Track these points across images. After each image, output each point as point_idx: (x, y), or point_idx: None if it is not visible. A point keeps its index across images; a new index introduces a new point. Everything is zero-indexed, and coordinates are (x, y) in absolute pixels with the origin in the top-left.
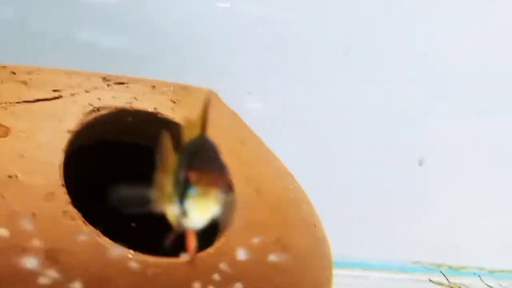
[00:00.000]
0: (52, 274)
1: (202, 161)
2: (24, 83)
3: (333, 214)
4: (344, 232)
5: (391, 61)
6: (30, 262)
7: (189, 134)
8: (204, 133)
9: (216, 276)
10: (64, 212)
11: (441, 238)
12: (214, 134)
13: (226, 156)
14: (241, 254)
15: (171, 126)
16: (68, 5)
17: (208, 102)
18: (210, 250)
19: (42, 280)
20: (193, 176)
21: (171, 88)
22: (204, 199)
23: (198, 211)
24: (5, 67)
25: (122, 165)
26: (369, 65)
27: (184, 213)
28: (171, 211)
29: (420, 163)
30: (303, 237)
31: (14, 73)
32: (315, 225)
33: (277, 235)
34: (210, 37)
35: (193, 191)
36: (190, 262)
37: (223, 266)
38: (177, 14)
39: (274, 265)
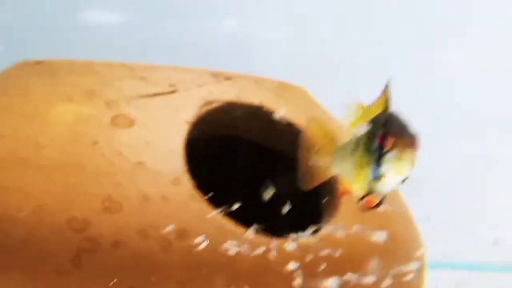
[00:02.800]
0: (182, 252)
1: (396, 129)
2: (143, 79)
3: None
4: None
5: None
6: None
7: (366, 116)
8: (389, 109)
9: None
10: (190, 195)
11: None
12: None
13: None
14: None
15: (275, 120)
16: None
17: (388, 85)
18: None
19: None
20: (389, 142)
21: (273, 84)
22: (401, 161)
23: (395, 173)
24: (125, 64)
25: (224, 158)
26: None
27: (379, 177)
28: (363, 179)
29: None
30: (400, 224)
31: (133, 70)
32: (408, 215)
33: (379, 222)
34: None
35: (390, 155)
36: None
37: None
38: None
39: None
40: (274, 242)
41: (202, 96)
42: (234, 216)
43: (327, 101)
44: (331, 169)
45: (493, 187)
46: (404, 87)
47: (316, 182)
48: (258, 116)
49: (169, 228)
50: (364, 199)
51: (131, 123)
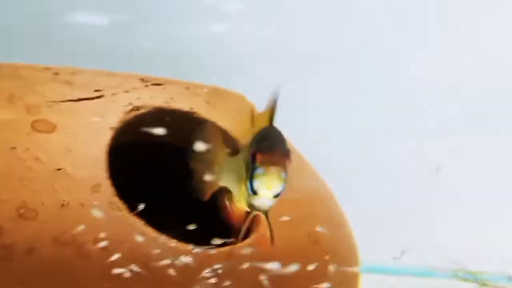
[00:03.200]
0: (100, 260)
1: (268, 145)
2: (68, 83)
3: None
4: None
5: None
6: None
7: (256, 127)
8: (272, 123)
9: (249, 265)
10: (110, 203)
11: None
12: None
13: None
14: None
15: (205, 126)
16: None
17: (276, 97)
18: (248, 241)
19: (91, 267)
20: (259, 157)
21: (204, 90)
22: (269, 177)
23: (266, 188)
24: (49, 68)
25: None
26: None
27: (254, 192)
28: (243, 193)
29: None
30: (332, 232)
31: (57, 73)
32: (342, 223)
33: (308, 230)
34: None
35: (259, 171)
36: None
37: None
38: None
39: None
40: (195, 250)
41: (129, 102)
42: (159, 222)
43: None
44: (219, 181)
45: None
46: None
47: (208, 193)
48: (188, 121)
49: (86, 235)
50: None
51: (52, 128)
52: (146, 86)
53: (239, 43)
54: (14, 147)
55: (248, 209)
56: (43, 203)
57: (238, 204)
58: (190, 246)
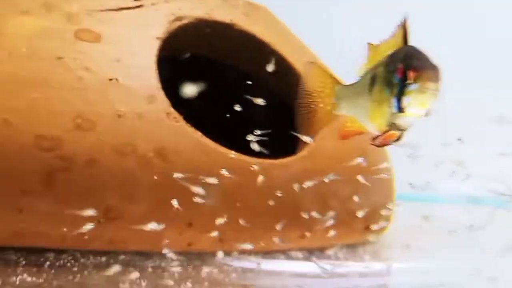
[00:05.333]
0: (162, 170)
1: (418, 62)
2: None
3: None
4: None
5: None
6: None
7: (379, 54)
8: (407, 43)
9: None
10: (167, 113)
11: None
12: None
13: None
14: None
15: (245, 39)
16: None
17: (406, 19)
18: (303, 153)
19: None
20: (412, 75)
21: (240, 2)
22: (424, 94)
23: (418, 106)
24: None
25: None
26: None
27: (402, 111)
28: (382, 115)
29: None
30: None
31: None
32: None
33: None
34: None
35: (413, 87)
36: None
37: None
38: None
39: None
40: (256, 162)
41: (171, 12)
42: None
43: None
44: (337, 110)
45: None
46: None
47: (320, 127)
48: (228, 34)
49: (146, 146)
50: (383, 135)
51: (96, 37)
52: None
53: None
54: (61, 57)
55: (387, 128)
56: (99, 113)
57: (370, 127)
58: (249, 158)
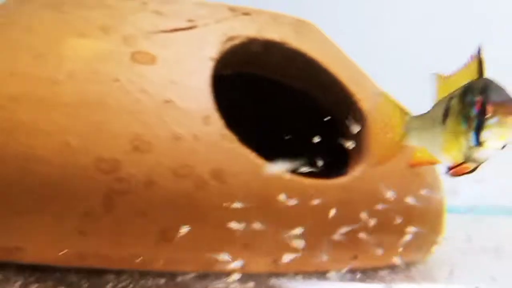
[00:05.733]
0: (219, 192)
1: (496, 95)
2: (158, 13)
3: None
4: None
5: None
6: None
7: (449, 86)
8: (482, 75)
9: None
10: (222, 135)
11: None
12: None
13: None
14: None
15: (296, 57)
16: None
17: (481, 50)
18: (356, 174)
19: (209, 199)
20: (491, 108)
21: (290, 20)
22: (503, 128)
23: (497, 139)
24: None
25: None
26: None
27: (480, 144)
28: (458, 147)
29: None
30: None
31: (145, 3)
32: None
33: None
34: None
35: (492, 121)
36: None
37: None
38: None
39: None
40: (311, 183)
41: (224, 32)
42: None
43: None
44: (406, 141)
45: None
46: None
47: (390, 157)
48: (278, 52)
49: (203, 167)
50: (458, 167)
51: (152, 59)
52: (236, 16)
53: None
54: (118, 80)
55: (463, 161)
56: (156, 135)
57: (433, 157)
58: (304, 179)
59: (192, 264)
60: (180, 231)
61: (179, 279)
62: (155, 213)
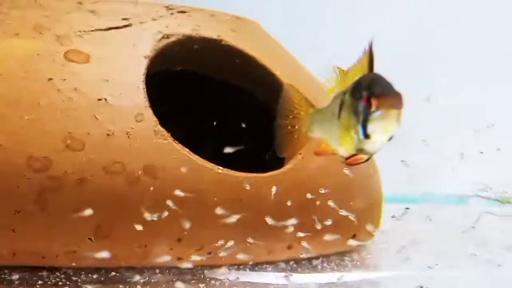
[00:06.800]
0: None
1: (381, 89)
2: (93, 12)
3: None
4: None
5: None
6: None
7: (347, 79)
8: (372, 70)
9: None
10: (155, 131)
11: None
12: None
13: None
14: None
15: (233, 54)
16: None
17: (371, 46)
18: (289, 166)
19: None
20: (374, 102)
21: (228, 17)
22: (387, 121)
23: (383, 132)
24: None
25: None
26: None
27: (367, 137)
28: (350, 140)
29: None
30: None
31: (80, 3)
32: None
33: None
34: None
35: (377, 115)
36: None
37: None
38: None
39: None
40: (243, 176)
41: (159, 30)
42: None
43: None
44: (311, 132)
45: None
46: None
47: (297, 148)
48: (216, 49)
49: (135, 164)
50: (351, 158)
51: (85, 58)
52: (172, 14)
53: None
54: (51, 78)
55: (355, 153)
56: (88, 133)
57: (341, 150)
58: (236, 173)
59: (127, 259)
60: (113, 227)
61: (112, 274)
62: (87, 210)
